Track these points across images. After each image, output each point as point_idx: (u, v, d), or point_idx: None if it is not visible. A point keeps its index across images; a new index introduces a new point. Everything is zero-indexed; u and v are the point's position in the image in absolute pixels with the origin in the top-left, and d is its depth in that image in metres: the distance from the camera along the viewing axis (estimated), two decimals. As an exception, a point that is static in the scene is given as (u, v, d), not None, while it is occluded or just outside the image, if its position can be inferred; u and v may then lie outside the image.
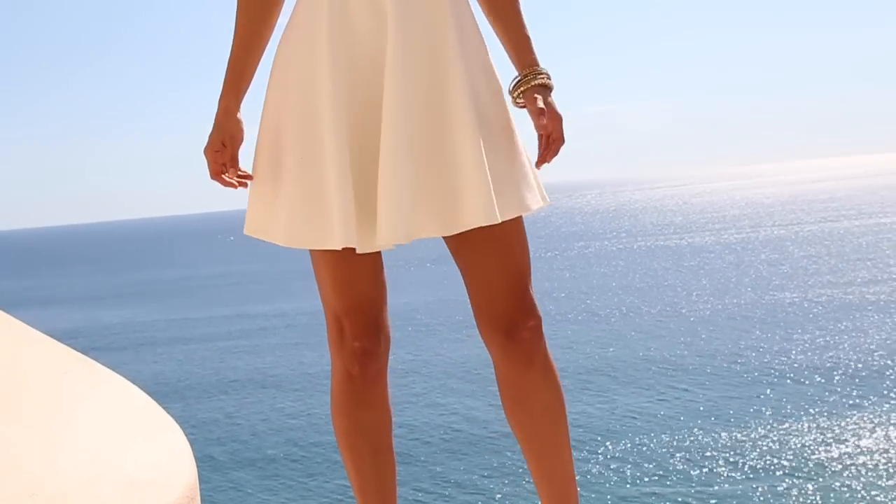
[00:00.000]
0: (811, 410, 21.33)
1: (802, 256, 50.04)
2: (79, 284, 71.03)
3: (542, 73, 2.11)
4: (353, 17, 2.04)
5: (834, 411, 21.16)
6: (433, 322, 36.05)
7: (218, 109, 2.17)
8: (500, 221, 1.99)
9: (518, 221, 2.08)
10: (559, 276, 47.90)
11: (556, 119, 2.09)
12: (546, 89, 2.10)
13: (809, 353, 26.69)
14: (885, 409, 21.15)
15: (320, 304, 2.20)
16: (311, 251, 2.14)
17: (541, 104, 2.06)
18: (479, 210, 1.98)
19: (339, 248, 1.98)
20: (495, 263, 2.09)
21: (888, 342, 27.39)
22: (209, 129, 2.19)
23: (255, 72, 2.21)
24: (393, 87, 1.98)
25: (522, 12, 2.17)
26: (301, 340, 35.20)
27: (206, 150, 2.16)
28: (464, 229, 2.00)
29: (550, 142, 2.08)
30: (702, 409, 22.05)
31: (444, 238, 2.07)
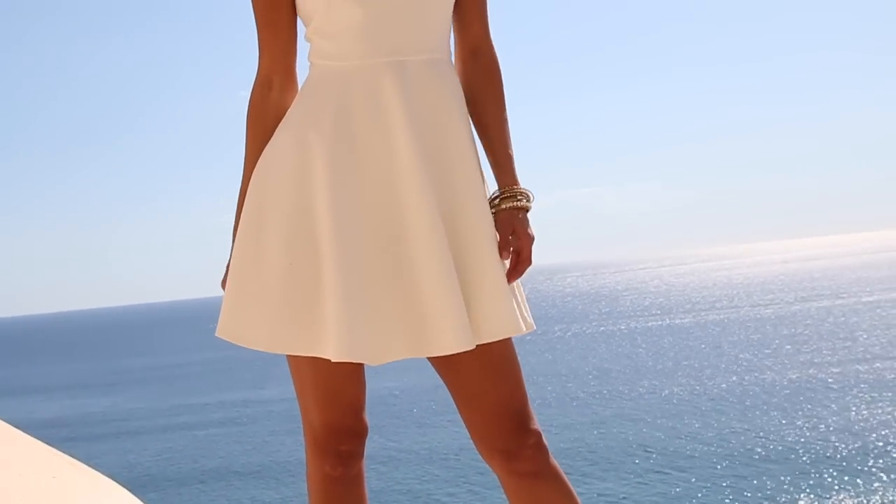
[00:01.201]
0: (795, 494, 21.39)
1: (782, 336, 50.28)
2: (60, 372, 70.52)
3: (521, 194, 2.11)
4: (356, 122, 2.04)
5: (818, 493, 21.21)
6: (412, 408, 36.01)
7: (232, 243, 2.14)
8: (515, 335, 2.01)
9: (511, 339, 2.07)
10: (539, 359, 47.94)
11: (527, 241, 2.08)
12: (522, 210, 2.10)
13: (792, 435, 26.79)
14: (873, 487, 21.23)
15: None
16: (291, 360, 2.10)
17: (516, 227, 2.07)
18: (509, 321, 1.99)
19: (334, 358, 1.93)
20: (489, 382, 2.05)
21: (871, 421, 27.53)
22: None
23: None
24: (415, 199, 1.98)
25: (509, 130, 2.19)
26: (279, 427, 35.03)
27: (223, 284, 2.14)
28: (493, 339, 2.00)
29: (518, 262, 2.07)
30: (681, 493, 22.07)
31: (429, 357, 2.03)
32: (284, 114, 2.15)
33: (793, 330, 53.17)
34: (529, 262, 2.09)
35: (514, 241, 2.06)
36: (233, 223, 2.17)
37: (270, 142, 2.11)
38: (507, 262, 2.06)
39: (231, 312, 2.08)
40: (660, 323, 65.74)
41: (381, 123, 2.03)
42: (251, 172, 2.13)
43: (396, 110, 2.02)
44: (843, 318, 56.65)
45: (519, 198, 2.10)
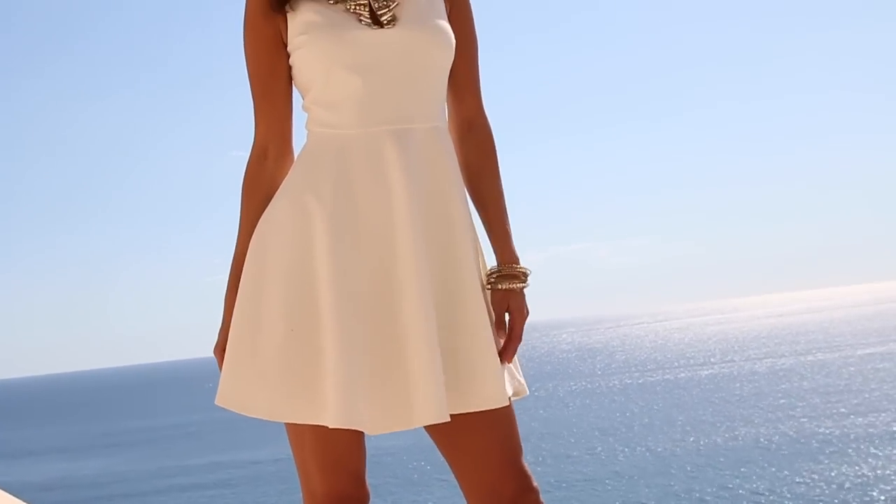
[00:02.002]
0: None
1: (777, 390, 50.20)
2: (53, 435, 70.04)
3: (518, 274, 2.13)
4: (357, 188, 2.05)
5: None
6: (410, 468, 35.83)
7: (225, 308, 2.15)
8: (505, 404, 2.02)
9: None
10: (533, 416, 47.78)
11: (520, 320, 2.11)
12: (519, 289, 2.12)
13: (787, 491, 26.68)
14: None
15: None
16: (290, 428, 2.10)
17: (511, 305, 2.11)
18: (495, 392, 2.01)
19: (332, 425, 1.94)
20: (486, 442, 2.06)
21: (867, 475, 27.43)
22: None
23: None
24: (411, 270, 2.00)
25: (505, 203, 2.20)
26: (271, 489, 34.79)
27: (216, 351, 2.14)
28: (481, 409, 2.02)
29: (510, 339, 2.10)
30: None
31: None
32: (279, 183, 2.16)
33: (787, 384, 53.09)
34: (520, 340, 2.11)
35: (509, 320, 2.10)
36: (227, 286, 2.17)
37: (269, 207, 2.12)
38: (502, 338, 2.09)
39: (230, 380, 2.07)
40: (654, 378, 65.60)
41: (381, 190, 2.04)
42: (245, 240, 2.14)
43: (397, 178, 2.03)
44: (837, 372, 56.60)
45: (517, 278, 2.12)
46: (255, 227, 2.13)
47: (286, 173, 2.17)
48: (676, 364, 76.32)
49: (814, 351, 74.40)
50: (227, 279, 2.18)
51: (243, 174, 2.20)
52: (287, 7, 2.11)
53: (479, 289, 2.07)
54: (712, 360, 77.19)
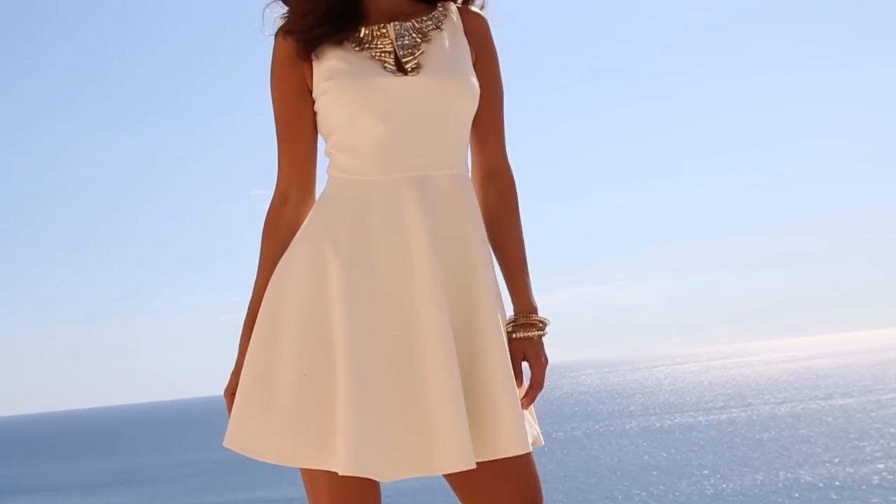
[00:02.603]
0: None
1: (795, 435, 49.77)
2: (70, 471, 70.03)
3: (536, 323, 2.12)
4: (374, 236, 2.05)
5: None
6: (424, 508, 35.66)
7: (239, 352, 2.15)
8: (528, 451, 2.02)
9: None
10: (550, 458, 47.51)
11: (539, 368, 2.11)
12: (537, 338, 2.12)
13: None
14: None
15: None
16: (305, 473, 2.07)
17: (528, 354, 2.11)
18: (516, 439, 1.99)
19: (342, 472, 1.93)
20: (506, 489, 2.05)
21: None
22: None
23: None
24: (431, 316, 1.98)
25: (525, 252, 2.20)
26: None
27: (226, 393, 2.15)
28: (502, 456, 2.01)
29: (530, 388, 2.10)
30: None
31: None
32: (299, 227, 2.17)
33: (806, 429, 52.63)
34: (541, 388, 2.11)
35: (529, 368, 2.10)
36: (241, 330, 2.18)
37: (287, 252, 2.13)
38: (522, 387, 2.09)
39: (240, 422, 2.07)
40: (672, 422, 65.15)
41: (399, 238, 2.04)
42: (263, 284, 2.14)
43: (416, 225, 2.03)
44: (857, 417, 56.10)
45: (534, 326, 2.12)
46: (272, 271, 2.13)
47: (306, 218, 2.18)
48: (695, 407, 75.78)
49: (834, 395, 73.78)
50: (244, 318, 2.18)
51: (265, 217, 2.21)
52: (313, 54, 2.13)
53: (501, 336, 2.05)
54: (731, 403, 76.64)
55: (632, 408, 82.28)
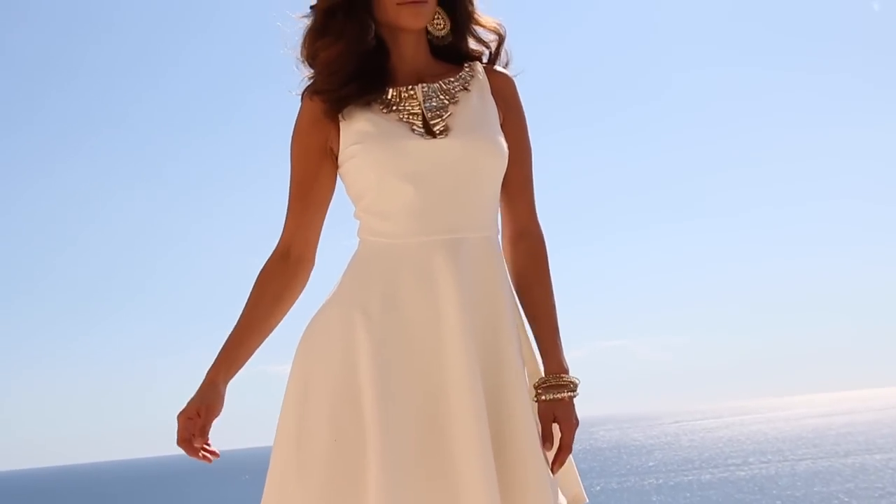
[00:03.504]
0: None
1: (817, 493, 49.43)
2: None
3: (567, 384, 2.10)
4: (406, 302, 2.04)
5: None
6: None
7: (204, 379, 2.14)
8: None
9: None
10: (568, 515, 47.25)
11: (569, 430, 2.09)
12: (567, 399, 2.10)
13: None
14: None
15: None
16: None
17: (558, 416, 2.09)
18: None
19: None
20: None
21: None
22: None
23: (249, 356, 2.19)
24: (462, 384, 1.97)
25: (556, 313, 2.15)
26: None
27: (180, 416, 2.11)
28: None
29: (559, 450, 2.09)
30: None
31: None
32: (294, 284, 2.19)
33: (825, 486, 52.26)
34: (570, 450, 2.10)
35: (558, 430, 2.09)
36: (219, 351, 2.18)
37: (318, 314, 2.13)
38: (552, 450, 2.08)
39: (275, 485, 2.07)
40: (690, 478, 64.69)
41: (431, 303, 2.03)
42: (243, 327, 2.17)
43: (448, 290, 2.02)
44: (877, 475, 55.68)
45: (564, 387, 2.10)
46: (256, 313, 2.17)
47: (302, 279, 2.22)
48: (713, 464, 75.21)
49: (855, 452, 73.12)
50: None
51: (262, 267, 2.22)
52: (340, 116, 2.13)
53: (528, 403, 2.05)
54: (750, 459, 76.02)
55: (650, 464, 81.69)
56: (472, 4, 2.21)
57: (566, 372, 2.12)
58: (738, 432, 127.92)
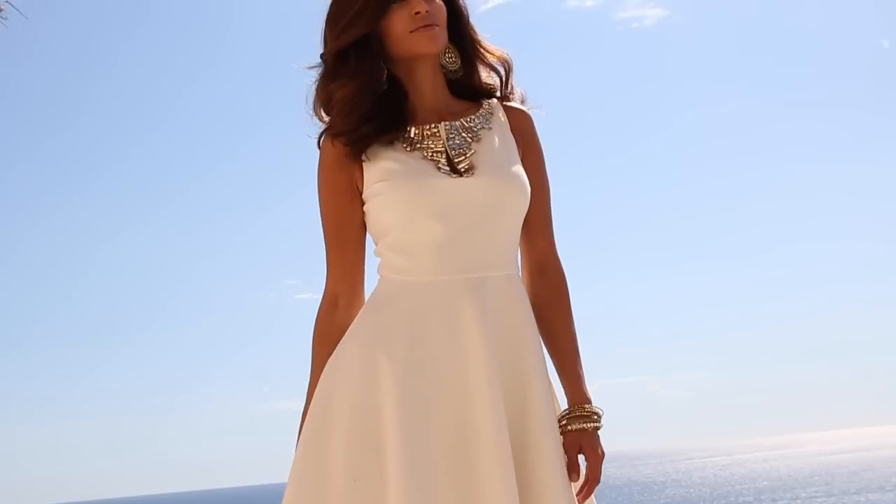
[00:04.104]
0: None
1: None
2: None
3: (591, 414, 2.09)
4: (430, 342, 2.02)
5: None
6: None
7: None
8: None
9: None
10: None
11: (595, 461, 2.08)
12: (592, 430, 2.09)
13: None
14: None
15: None
16: None
17: (584, 447, 2.09)
18: None
19: None
20: None
21: None
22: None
23: None
24: (485, 429, 1.96)
25: (577, 345, 2.16)
26: None
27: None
28: None
29: (586, 482, 2.09)
30: None
31: None
32: (347, 328, 2.14)
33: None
34: (598, 481, 2.10)
35: (584, 461, 2.09)
36: (297, 431, 2.14)
37: (337, 351, 2.11)
38: (578, 482, 2.08)
39: None
40: (702, 515, 64.23)
41: (455, 343, 2.02)
42: (315, 388, 2.13)
43: (473, 331, 2.01)
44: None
45: (588, 418, 2.09)
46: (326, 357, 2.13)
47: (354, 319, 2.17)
48: (726, 501, 74.68)
49: (869, 490, 72.61)
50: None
51: (315, 321, 2.20)
52: (364, 156, 2.12)
53: (557, 438, 2.05)
54: (763, 497, 75.50)
55: (662, 501, 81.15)
56: (476, 33, 2.22)
57: (590, 402, 2.12)
58: (750, 469, 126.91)
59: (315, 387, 2.13)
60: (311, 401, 2.14)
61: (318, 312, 2.19)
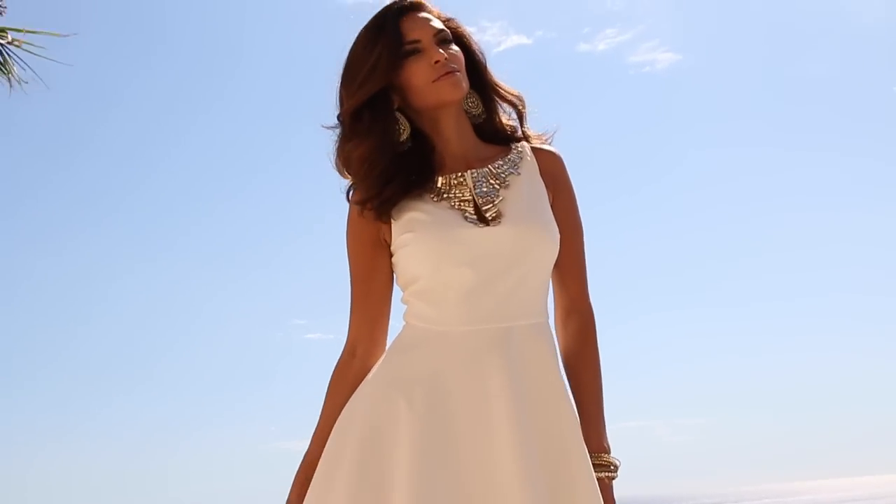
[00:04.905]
0: None
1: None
2: None
3: (607, 463, 2.07)
4: (454, 394, 1.98)
5: None
6: None
7: (290, 491, 2.13)
8: None
9: None
10: None
11: None
12: (608, 479, 2.07)
13: None
14: None
15: None
16: None
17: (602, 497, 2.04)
18: None
19: None
20: None
21: None
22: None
23: None
24: (510, 482, 1.90)
25: (602, 392, 2.13)
26: None
27: None
28: None
29: None
30: None
31: None
32: (364, 377, 2.12)
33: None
34: None
35: None
36: (297, 471, 2.14)
37: (355, 395, 2.09)
38: None
39: None
40: (708, 562, 63.53)
41: (480, 394, 1.97)
42: (321, 433, 2.11)
43: (498, 382, 1.97)
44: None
45: (605, 468, 2.07)
46: (333, 422, 2.10)
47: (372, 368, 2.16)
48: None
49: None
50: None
51: (333, 369, 2.19)
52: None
53: (596, 492, 2.00)
54: (770, 544, 74.61)
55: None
56: (493, 75, 2.22)
57: (608, 452, 2.09)
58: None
59: (322, 431, 2.12)
60: (315, 444, 2.13)
61: (338, 361, 2.18)
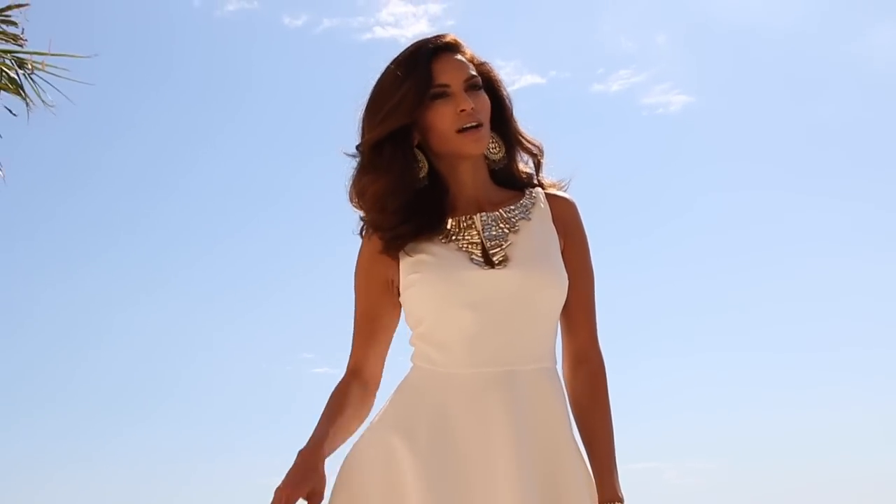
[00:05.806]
0: None
1: None
2: None
3: None
4: (457, 435, 1.98)
5: None
6: None
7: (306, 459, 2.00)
8: None
9: None
10: None
11: None
12: None
13: None
14: None
15: None
16: None
17: None
18: None
19: None
20: None
21: None
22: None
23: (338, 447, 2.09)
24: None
25: (613, 439, 2.10)
26: None
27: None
28: None
29: None
30: None
31: None
32: (361, 406, 2.15)
33: None
34: None
35: None
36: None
37: (360, 438, 2.10)
38: None
39: None
40: None
41: (482, 434, 1.97)
42: (317, 440, 2.04)
43: (502, 425, 1.97)
44: None
45: None
46: (332, 420, 2.08)
47: (368, 402, 2.18)
48: None
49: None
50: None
51: (334, 387, 2.18)
52: (401, 252, 2.11)
53: None
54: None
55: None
56: (517, 122, 2.20)
57: (620, 501, 2.05)
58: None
59: (320, 430, 2.05)
60: (307, 452, 2.04)
61: (340, 381, 2.18)
